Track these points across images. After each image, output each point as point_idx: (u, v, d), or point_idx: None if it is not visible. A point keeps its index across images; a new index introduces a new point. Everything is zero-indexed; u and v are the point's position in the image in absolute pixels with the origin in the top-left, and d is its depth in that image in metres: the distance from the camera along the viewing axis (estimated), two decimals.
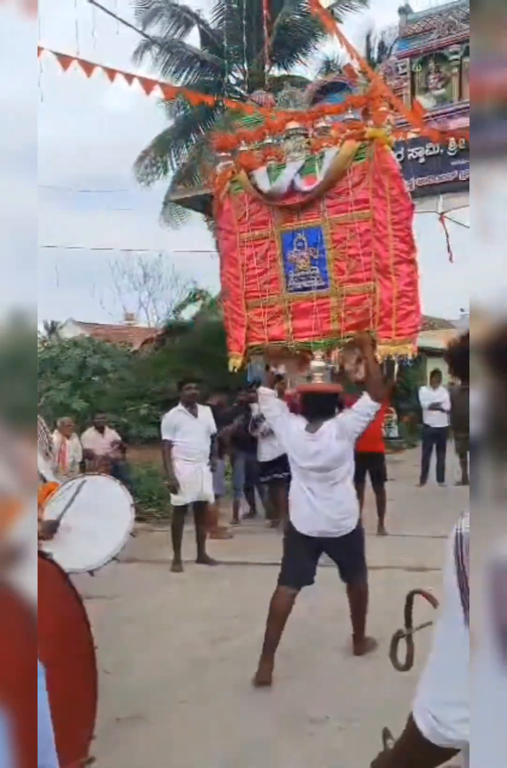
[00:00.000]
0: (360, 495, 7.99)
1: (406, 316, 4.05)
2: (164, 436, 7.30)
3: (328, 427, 4.30)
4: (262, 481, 9.25)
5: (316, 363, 4.44)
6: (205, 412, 7.60)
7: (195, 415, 7.41)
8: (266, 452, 8.85)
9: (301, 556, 4.42)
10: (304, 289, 4.42)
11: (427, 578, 5.71)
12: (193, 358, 16.60)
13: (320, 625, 5.10)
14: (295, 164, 4.29)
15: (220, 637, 5.14)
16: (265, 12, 9.16)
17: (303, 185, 4.25)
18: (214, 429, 7.70)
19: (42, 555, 2.80)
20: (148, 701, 4.03)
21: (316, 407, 4.39)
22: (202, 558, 7.33)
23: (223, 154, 4.72)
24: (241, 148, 4.59)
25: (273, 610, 4.34)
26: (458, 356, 1.30)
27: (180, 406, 7.45)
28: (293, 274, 4.44)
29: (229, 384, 10.12)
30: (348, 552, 4.47)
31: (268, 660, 4.26)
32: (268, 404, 4.62)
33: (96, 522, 4.06)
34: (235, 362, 4.70)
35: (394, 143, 4.19)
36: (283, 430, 4.52)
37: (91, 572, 4.02)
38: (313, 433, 4.32)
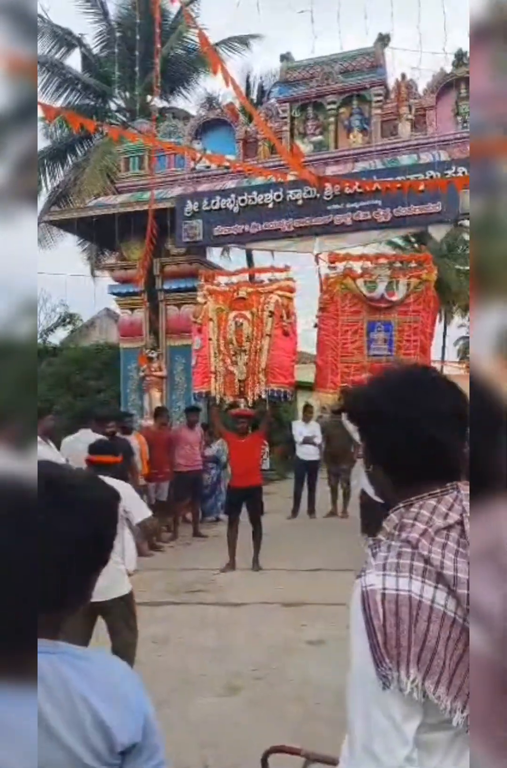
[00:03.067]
0: (235, 529, 7.95)
1: None
2: None
3: None
4: None
5: None
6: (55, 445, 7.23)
7: (51, 448, 7.04)
8: None
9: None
10: (379, 355, 8.07)
11: (302, 613, 5.74)
12: (62, 385, 15.92)
13: (194, 667, 4.97)
14: (383, 284, 8.18)
15: None
16: (157, 45, 9.09)
17: (388, 296, 8.14)
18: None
19: None
20: None
21: None
22: None
23: (332, 265, 8.59)
24: (347, 265, 8.45)
25: None
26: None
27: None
28: (373, 346, 8.17)
29: (98, 413, 9.79)
30: None
31: None
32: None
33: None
34: (333, 397, 8.14)
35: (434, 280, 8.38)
36: None
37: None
38: None
